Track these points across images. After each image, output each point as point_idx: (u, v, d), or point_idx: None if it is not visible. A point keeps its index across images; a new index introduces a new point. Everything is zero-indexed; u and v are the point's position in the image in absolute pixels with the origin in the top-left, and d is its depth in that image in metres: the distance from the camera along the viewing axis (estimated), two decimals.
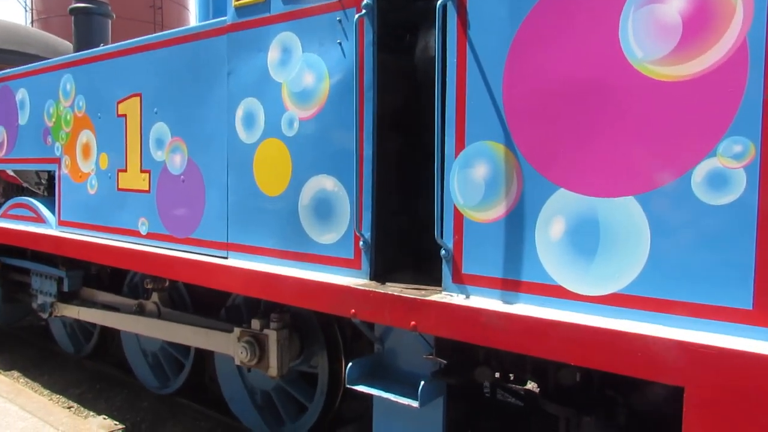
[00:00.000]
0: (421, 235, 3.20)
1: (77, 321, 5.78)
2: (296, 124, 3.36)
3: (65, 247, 5.01)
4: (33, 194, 6.57)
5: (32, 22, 25.69)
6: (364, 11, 2.99)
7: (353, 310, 2.95)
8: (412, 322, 2.71)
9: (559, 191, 2.41)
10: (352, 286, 2.97)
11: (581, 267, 2.35)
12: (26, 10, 27.65)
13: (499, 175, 2.57)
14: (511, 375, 3.05)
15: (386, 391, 2.96)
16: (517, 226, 2.53)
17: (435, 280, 2.84)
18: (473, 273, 2.67)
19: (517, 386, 4.06)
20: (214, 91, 3.84)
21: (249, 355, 3.82)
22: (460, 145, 2.70)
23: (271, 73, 3.49)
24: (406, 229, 3.36)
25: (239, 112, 3.68)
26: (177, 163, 4.13)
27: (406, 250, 3.35)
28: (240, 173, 3.69)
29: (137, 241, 4.45)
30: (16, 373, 6.01)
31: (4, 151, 6.04)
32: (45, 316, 5.79)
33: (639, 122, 2.21)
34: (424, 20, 3.26)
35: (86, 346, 6.24)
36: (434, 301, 2.65)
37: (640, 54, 2.20)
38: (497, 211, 2.59)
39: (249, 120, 3.62)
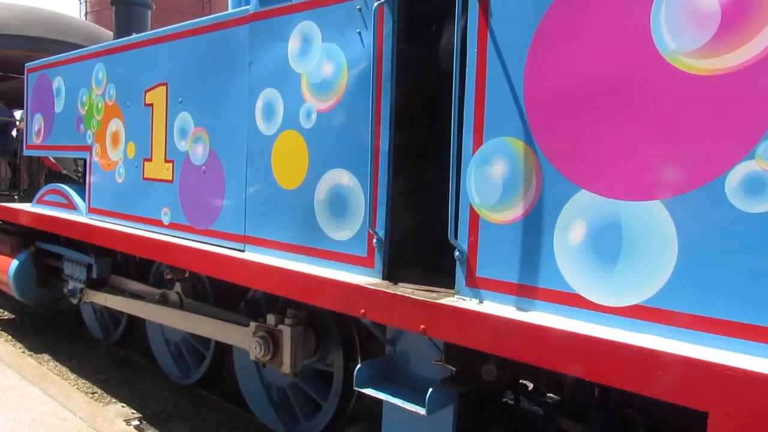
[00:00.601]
0: (440, 235, 3.06)
1: (106, 308, 5.85)
2: (314, 116, 3.27)
3: (93, 234, 5.06)
4: (72, 181, 6.70)
5: (86, 14, 26.49)
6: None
7: (363, 310, 2.83)
8: (422, 326, 2.58)
9: (580, 193, 2.24)
10: (363, 284, 2.85)
11: (601, 275, 2.18)
12: (80, 2, 28.53)
13: (518, 174, 2.42)
14: (526, 384, 2.89)
15: (394, 396, 2.84)
16: (534, 228, 2.37)
17: (452, 282, 2.70)
18: (488, 276, 2.52)
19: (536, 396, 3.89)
20: (236, 82, 3.78)
21: (263, 350, 3.75)
22: (478, 141, 2.55)
23: (291, 64, 3.40)
24: (424, 227, 3.23)
25: (259, 103, 3.60)
26: (199, 153, 4.10)
27: (425, 250, 3.22)
28: (258, 165, 3.62)
29: (160, 231, 4.44)
30: (46, 356, 6.13)
31: (41, 137, 6.15)
32: (75, 301, 5.88)
33: (669, 120, 2.02)
34: (451, 10, 3.11)
35: (114, 332, 6.33)
36: (444, 304, 2.52)
37: (673, 45, 2.01)
38: (515, 211, 2.43)
39: (268, 111, 3.54)
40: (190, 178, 4.19)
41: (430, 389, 2.69)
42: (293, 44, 3.38)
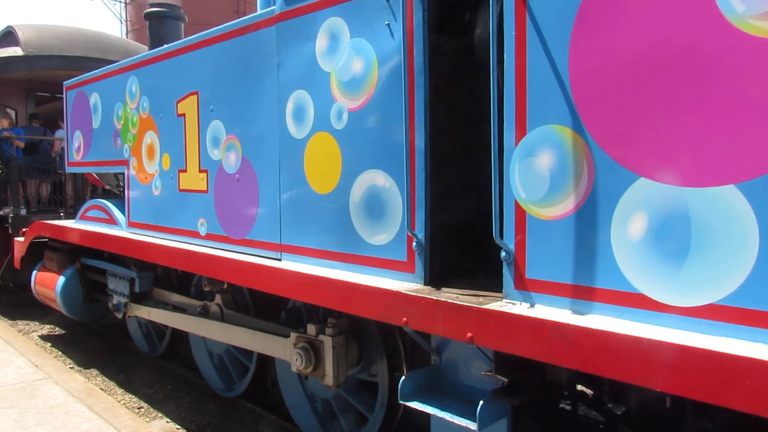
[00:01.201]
0: (485, 234, 2.87)
1: (150, 321, 5.84)
2: (345, 116, 3.11)
3: (131, 248, 5.04)
4: (116, 196, 6.75)
5: (127, 33, 27.21)
6: None
7: (405, 318, 2.66)
8: (469, 334, 2.39)
9: (639, 181, 2.02)
10: (403, 291, 2.68)
11: (668, 272, 1.95)
12: (121, 22, 29.34)
13: (567, 165, 2.20)
14: (585, 391, 2.66)
15: (442, 409, 2.65)
16: (588, 223, 2.15)
17: (500, 286, 2.50)
18: (538, 278, 2.31)
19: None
20: (265, 85, 3.67)
21: (304, 361, 3.62)
22: (520, 132, 2.34)
23: (319, 63, 3.26)
24: (468, 227, 3.04)
25: (289, 106, 3.48)
26: (232, 161, 4.00)
27: (470, 251, 3.03)
28: (291, 170, 3.49)
29: (197, 243, 4.37)
30: (94, 371, 6.17)
31: (81, 154, 6.20)
32: (119, 316, 5.89)
33: (740, 93, 1.78)
34: None
35: (159, 345, 6.32)
36: (492, 310, 2.32)
37: (741, 8, 1.77)
38: (565, 206, 2.22)
39: (299, 114, 3.41)
40: (224, 187, 4.10)
41: (481, 402, 2.49)
42: (321, 42, 3.24)
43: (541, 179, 2.28)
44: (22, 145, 9.33)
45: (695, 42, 1.87)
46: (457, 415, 2.56)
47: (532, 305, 2.32)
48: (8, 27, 9.45)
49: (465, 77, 3.06)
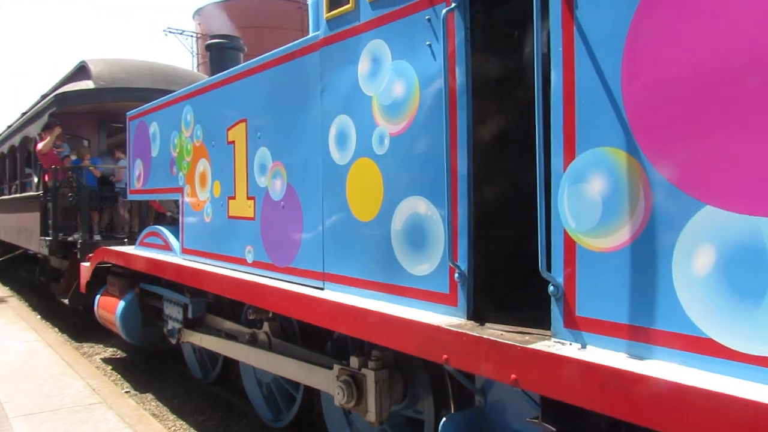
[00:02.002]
0: (533, 265, 2.66)
1: (203, 347, 5.85)
2: (387, 141, 2.99)
3: (184, 275, 5.07)
4: (175, 222, 6.88)
5: (198, 66, 28.41)
6: (453, 5, 2.57)
7: (445, 355, 2.47)
8: (513, 375, 2.18)
9: (704, 210, 1.78)
10: (444, 326, 2.50)
11: (742, 314, 1.70)
12: (192, 55, 30.72)
13: (621, 191, 1.99)
14: None
15: None
16: (646, 256, 1.92)
17: (548, 322, 2.28)
18: (590, 316, 2.09)
19: None
20: (310, 111, 3.61)
21: (346, 395, 3.47)
22: (569, 155, 2.15)
23: (361, 87, 3.17)
24: (515, 257, 2.83)
25: (332, 131, 3.39)
26: (278, 188, 3.95)
27: (517, 284, 2.82)
28: (334, 198, 3.40)
29: (244, 270, 4.33)
30: (150, 395, 6.22)
31: (141, 182, 6.36)
32: (173, 341, 5.94)
33: None
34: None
35: (212, 372, 6.32)
36: (538, 350, 2.10)
37: None
38: (619, 236, 2.00)
39: (341, 139, 3.32)
40: (270, 214, 4.06)
41: None
42: (363, 66, 3.15)
43: (593, 207, 2.07)
44: (98, 174, 9.72)
45: None
46: None
47: (583, 346, 2.09)
48: (82, 62, 9.96)
49: (514, 98, 2.89)
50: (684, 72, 1.83)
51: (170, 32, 30.44)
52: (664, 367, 1.83)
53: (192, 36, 30.84)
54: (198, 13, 33.67)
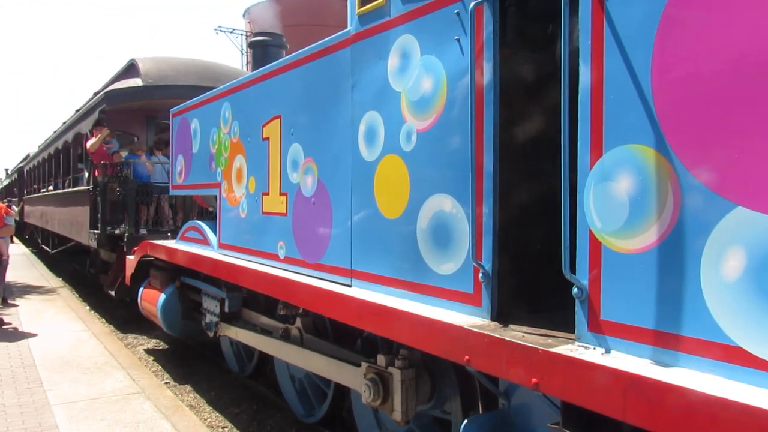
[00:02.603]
0: (560, 266, 2.58)
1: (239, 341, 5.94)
2: (414, 137, 2.96)
3: (220, 269, 5.15)
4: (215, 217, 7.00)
5: (247, 64, 28.90)
6: None
7: (467, 357, 2.42)
8: (534, 379, 2.12)
9: (735, 210, 1.69)
10: (466, 326, 2.45)
11: None
12: (242, 53, 31.27)
13: (649, 190, 1.90)
14: None
15: None
16: (674, 258, 1.83)
17: (573, 325, 2.21)
18: (615, 320, 2.01)
19: None
20: (340, 107, 3.61)
21: (372, 394, 3.45)
22: (596, 153, 2.07)
23: (390, 82, 3.14)
24: (543, 257, 2.75)
25: (362, 128, 3.38)
26: (309, 184, 3.97)
27: (544, 285, 2.74)
28: (362, 195, 3.38)
29: (276, 265, 4.37)
30: (188, 387, 6.36)
31: (183, 177, 6.50)
32: (210, 335, 6.04)
33: None
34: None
35: (248, 365, 6.41)
36: (559, 354, 2.04)
37: None
38: (646, 237, 1.91)
39: (370, 135, 3.30)
40: (301, 211, 4.08)
41: None
42: (392, 61, 3.13)
43: (620, 207, 1.99)
44: (151, 169, 9.96)
45: None
46: None
47: (608, 351, 2.01)
48: (131, 60, 10.25)
49: (546, 93, 2.81)
50: (716, 67, 1.73)
51: (221, 31, 31.11)
52: (690, 376, 1.74)
53: (242, 34, 31.42)
54: (248, 11, 34.34)
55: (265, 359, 6.14)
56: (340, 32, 3.65)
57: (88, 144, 10.01)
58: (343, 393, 4.69)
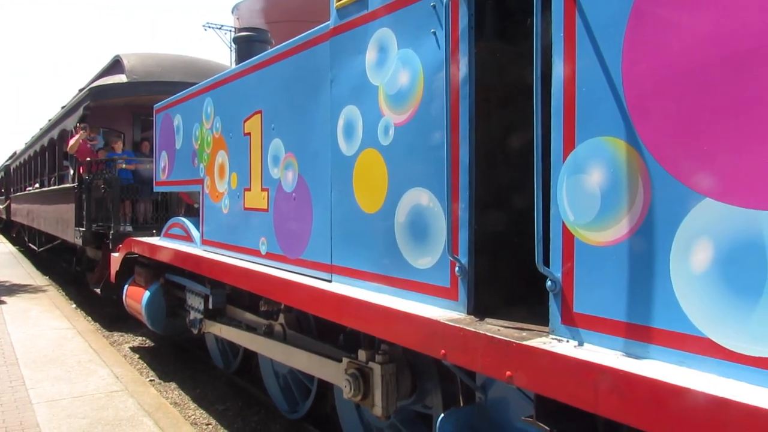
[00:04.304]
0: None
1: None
2: (392, 131, 2.95)
3: (203, 266, 5.12)
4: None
5: (235, 60, 28.77)
6: None
7: (443, 351, 2.42)
8: (508, 372, 2.11)
9: (704, 203, 1.69)
10: (442, 320, 2.44)
11: (739, 313, 1.60)
12: (231, 50, 31.09)
13: (620, 182, 1.90)
14: None
15: None
16: (644, 251, 1.83)
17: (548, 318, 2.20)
18: (588, 313, 2.01)
19: None
20: (320, 102, 3.58)
21: (353, 389, 3.44)
22: (569, 145, 2.07)
23: (368, 77, 3.13)
24: (519, 251, 2.75)
25: (340, 122, 3.36)
26: (289, 180, 3.95)
27: (521, 278, 2.74)
28: (341, 189, 3.37)
29: (258, 261, 4.34)
30: (173, 384, 6.32)
31: (166, 174, 6.45)
32: (195, 332, 6.01)
33: None
34: None
35: (233, 362, 6.38)
36: (532, 346, 2.03)
37: None
38: (617, 230, 1.91)
39: (349, 130, 3.28)
40: (282, 206, 4.05)
41: None
42: (370, 55, 3.11)
43: (592, 199, 1.99)
44: (132, 167, 9.89)
45: None
46: None
47: (581, 343, 2.01)
48: (116, 56, 10.16)
49: (522, 88, 2.80)
50: (685, 60, 1.73)
51: (209, 27, 30.90)
52: (660, 368, 1.74)
53: (230, 30, 31.22)
54: (236, 8, 34.12)
55: (251, 355, 6.11)
56: (319, 26, 3.63)
57: (68, 145, 9.92)
58: (326, 389, 4.68)
